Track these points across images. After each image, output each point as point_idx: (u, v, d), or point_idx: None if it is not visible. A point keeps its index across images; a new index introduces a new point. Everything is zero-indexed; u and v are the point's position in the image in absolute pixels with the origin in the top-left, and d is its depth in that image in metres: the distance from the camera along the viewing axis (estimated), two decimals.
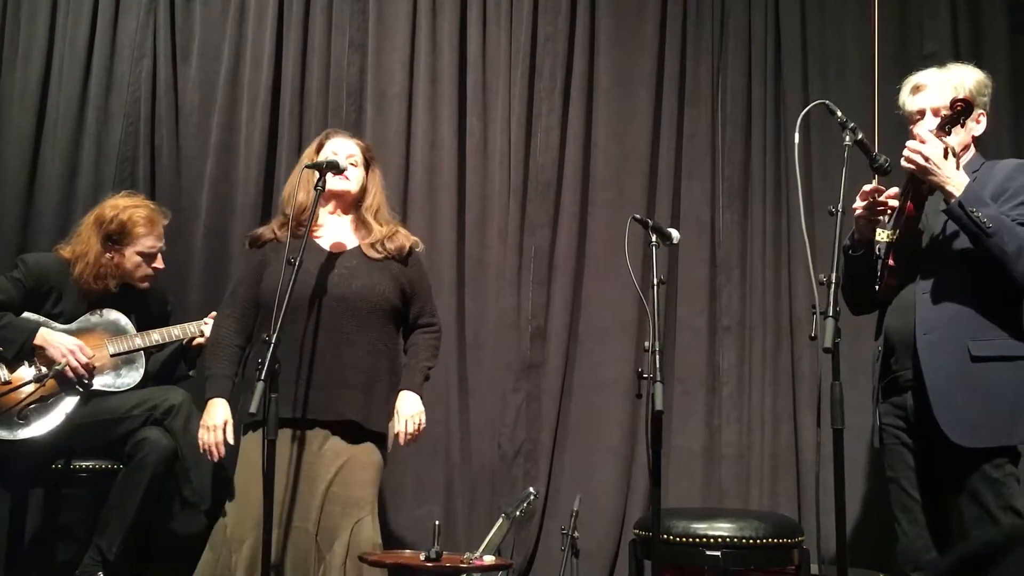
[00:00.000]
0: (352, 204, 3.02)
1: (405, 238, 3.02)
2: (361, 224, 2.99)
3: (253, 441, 2.78)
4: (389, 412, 2.91)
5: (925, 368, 2.55)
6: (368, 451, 2.83)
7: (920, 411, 2.59)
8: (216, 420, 2.80)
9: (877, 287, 2.72)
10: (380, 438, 2.88)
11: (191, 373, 3.58)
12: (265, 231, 2.99)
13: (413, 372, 2.98)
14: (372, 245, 2.94)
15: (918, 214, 2.63)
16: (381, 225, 2.99)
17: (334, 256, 2.91)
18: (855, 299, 2.83)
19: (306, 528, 2.73)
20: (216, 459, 2.83)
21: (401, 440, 2.88)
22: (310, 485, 2.75)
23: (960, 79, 2.69)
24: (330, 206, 3.01)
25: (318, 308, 2.81)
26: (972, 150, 2.73)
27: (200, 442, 2.83)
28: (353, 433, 2.82)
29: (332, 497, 2.75)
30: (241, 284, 2.98)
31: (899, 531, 2.67)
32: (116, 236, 3.41)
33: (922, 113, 2.70)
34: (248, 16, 4.35)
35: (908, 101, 2.76)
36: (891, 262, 2.67)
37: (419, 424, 2.90)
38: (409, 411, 2.89)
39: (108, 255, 3.41)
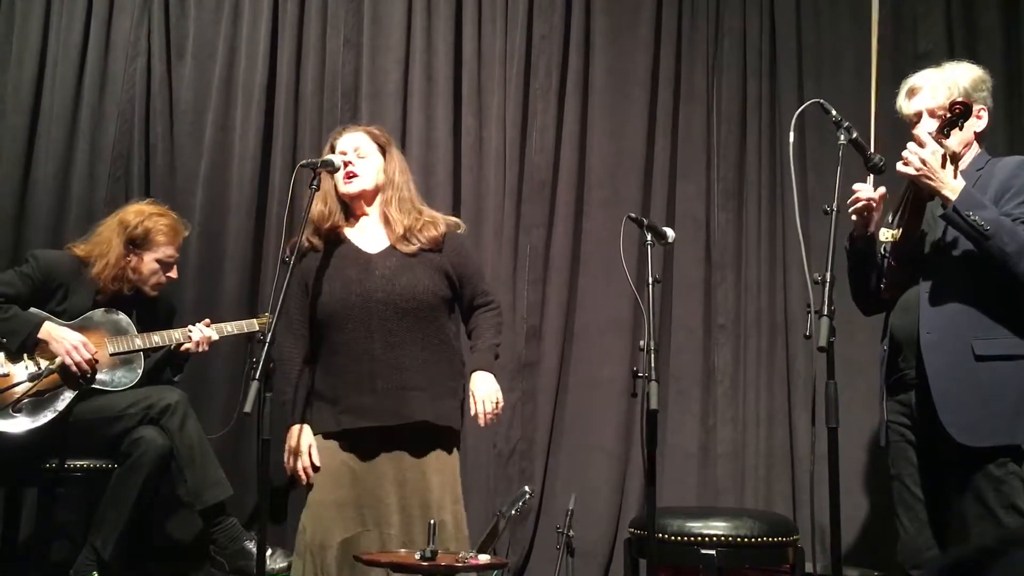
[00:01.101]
0: (374, 198, 2.95)
1: (434, 226, 2.91)
2: (385, 220, 2.92)
3: (324, 448, 2.78)
4: (457, 403, 2.88)
5: (929, 368, 2.55)
6: (442, 450, 2.82)
7: (923, 410, 2.59)
8: (301, 445, 2.77)
9: (883, 287, 2.72)
10: (452, 434, 2.86)
11: (176, 379, 3.57)
12: (302, 241, 2.86)
13: (482, 352, 2.92)
14: (403, 239, 2.87)
15: (919, 216, 2.63)
16: (403, 216, 2.89)
17: (372, 258, 2.86)
18: (862, 298, 2.84)
19: (388, 532, 2.72)
20: (304, 484, 2.79)
21: (481, 421, 2.83)
22: (384, 489, 2.75)
23: (954, 79, 2.69)
24: (354, 207, 2.95)
25: (367, 314, 2.78)
26: (976, 147, 2.72)
27: (287, 468, 2.79)
28: (425, 432, 2.79)
29: (412, 503, 2.75)
30: (291, 299, 2.84)
31: (900, 528, 2.67)
32: (139, 241, 3.44)
33: (919, 116, 2.70)
34: (243, 15, 4.35)
35: (904, 105, 2.76)
36: (894, 262, 2.67)
37: (497, 402, 2.86)
38: (485, 391, 2.83)
39: (128, 258, 3.43)
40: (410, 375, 2.78)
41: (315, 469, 2.76)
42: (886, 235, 2.70)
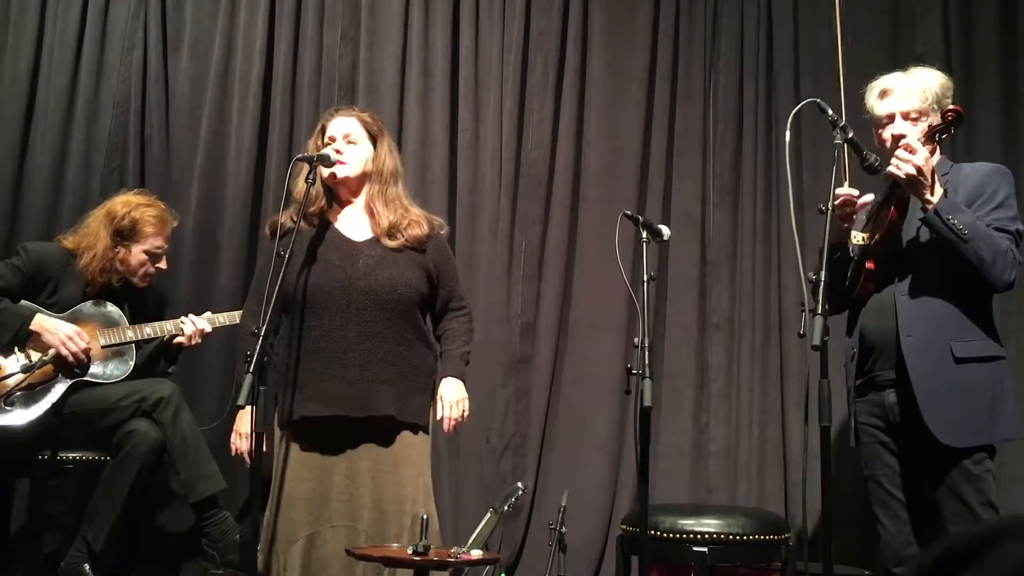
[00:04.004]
0: (361, 187, 2.91)
1: (418, 226, 2.88)
2: (370, 211, 2.89)
3: (288, 441, 2.77)
4: (427, 401, 2.86)
5: (911, 370, 2.57)
6: (411, 444, 2.80)
7: (903, 411, 2.62)
8: (248, 427, 2.72)
9: (853, 289, 2.73)
10: (420, 428, 2.83)
11: (171, 371, 3.56)
12: (286, 220, 2.81)
13: (453, 359, 2.91)
14: (388, 234, 2.84)
15: (901, 219, 2.65)
16: (388, 210, 2.86)
17: (357, 246, 2.84)
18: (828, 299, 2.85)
19: (354, 527, 2.70)
20: (248, 466, 2.78)
21: (446, 427, 2.83)
22: (355, 483, 2.72)
23: (927, 83, 2.71)
24: (339, 194, 2.91)
25: (346, 302, 2.76)
26: (938, 153, 2.75)
27: (232, 447, 2.80)
28: (392, 427, 2.77)
29: (385, 496, 2.73)
30: (265, 278, 2.84)
31: (880, 528, 2.71)
32: (126, 232, 3.41)
33: (891, 117, 2.73)
34: (240, 7, 4.33)
35: (876, 105, 2.78)
36: (870, 265, 2.69)
37: (464, 410, 2.86)
38: (452, 396, 2.84)
39: (116, 250, 3.40)
40: (382, 368, 2.76)
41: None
42: (856, 237, 2.73)
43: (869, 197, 2.74)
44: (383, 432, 2.77)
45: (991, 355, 2.61)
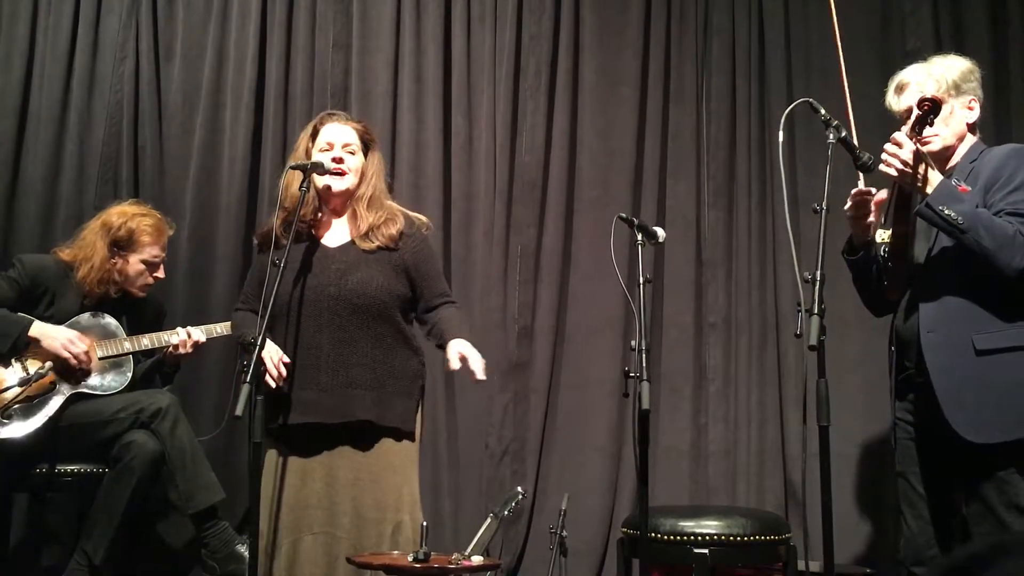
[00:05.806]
0: (352, 195, 2.91)
1: (392, 223, 2.87)
2: (353, 216, 2.90)
3: (273, 447, 2.78)
4: (411, 404, 2.84)
5: (930, 366, 2.52)
6: (393, 451, 2.78)
7: (927, 408, 2.56)
8: (268, 351, 2.66)
9: (886, 288, 2.71)
10: (404, 435, 2.81)
11: (166, 390, 3.55)
12: (272, 231, 2.85)
13: (459, 330, 2.80)
14: (364, 236, 2.84)
15: (906, 215, 2.62)
16: (370, 214, 2.86)
17: (330, 253, 2.85)
18: (871, 302, 2.82)
19: (333, 533, 2.70)
20: (280, 379, 2.69)
21: (480, 374, 2.71)
22: (334, 489, 2.72)
23: (942, 72, 2.67)
24: (330, 202, 2.92)
25: (317, 309, 2.77)
26: (970, 138, 2.70)
27: (271, 372, 2.68)
28: (372, 433, 2.76)
29: (365, 503, 2.72)
30: (251, 284, 2.98)
31: (904, 525, 2.65)
32: (123, 243, 3.41)
33: (909, 111, 2.68)
34: (231, 16, 4.34)
35: (894, 101, 2.74)
36: (891, 263, 2.66)
37: (480, 359, 2.72)
38: (469, 348, 2.72)
39: (113, 260, 3.40)
40: (357, 372, 2.76)
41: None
42: (882, 236, 2.68)
43: (883, 194, 2.66)
44: (363, 438, 2.77)
45: (1020, 345, 2.48)
